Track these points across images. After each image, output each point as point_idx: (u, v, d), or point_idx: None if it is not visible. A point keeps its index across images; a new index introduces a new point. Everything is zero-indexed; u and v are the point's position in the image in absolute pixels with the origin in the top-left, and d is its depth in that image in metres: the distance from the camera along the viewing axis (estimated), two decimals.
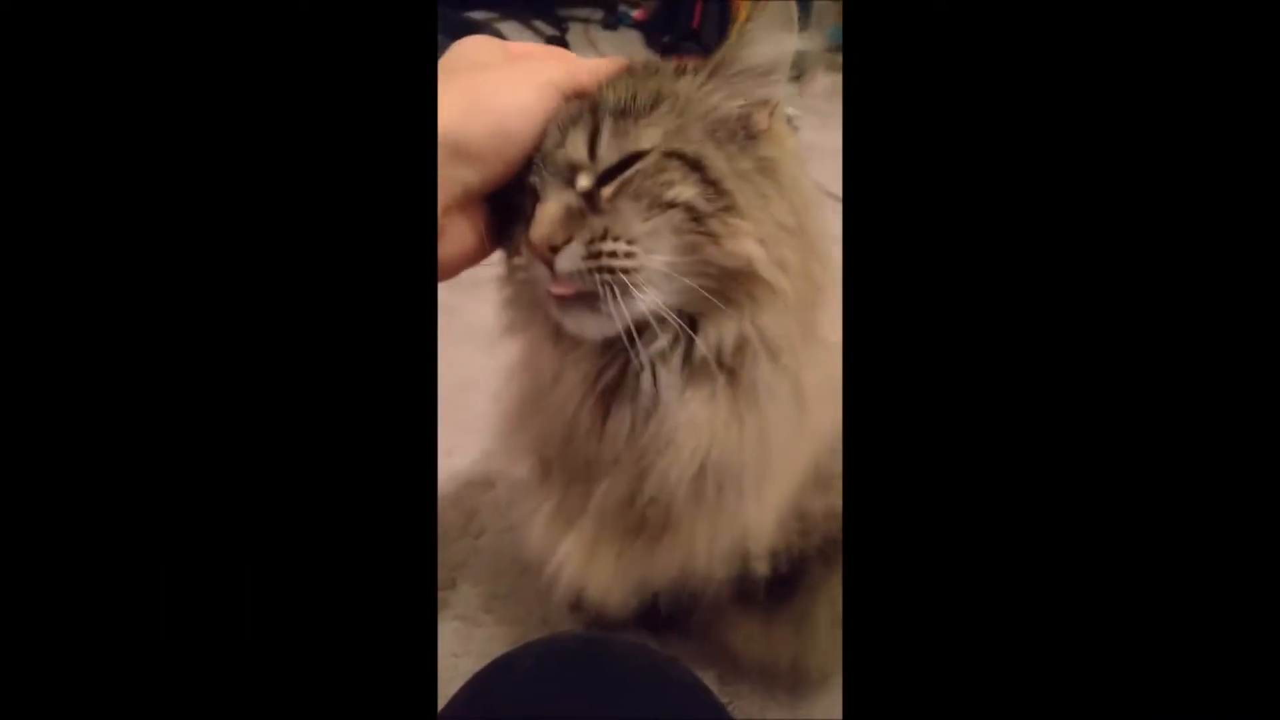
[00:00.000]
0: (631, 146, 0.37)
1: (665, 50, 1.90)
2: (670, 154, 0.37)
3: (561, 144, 0.38)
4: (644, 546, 0.46)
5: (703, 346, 0.39)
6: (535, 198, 0.38)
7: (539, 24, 2.03)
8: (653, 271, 0.36)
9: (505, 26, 1.94)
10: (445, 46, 0.38)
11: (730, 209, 0.37)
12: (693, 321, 0.39)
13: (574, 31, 2.03)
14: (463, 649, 0.76)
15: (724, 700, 0.72)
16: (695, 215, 0.37)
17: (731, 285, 0.38)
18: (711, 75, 0.39)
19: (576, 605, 0.78)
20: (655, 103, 0.38)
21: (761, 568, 0.52)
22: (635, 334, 0.38)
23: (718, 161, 0.37)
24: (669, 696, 0.40)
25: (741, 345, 0.39)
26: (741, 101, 0.39)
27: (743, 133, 0.39)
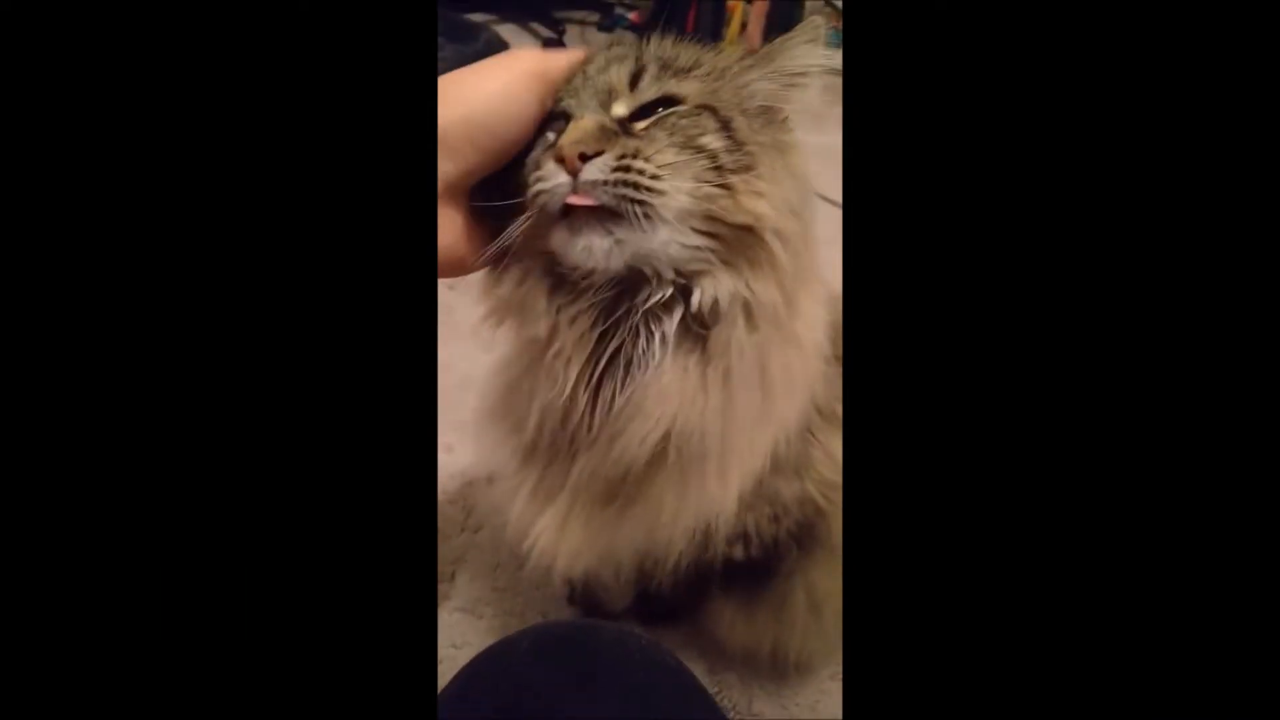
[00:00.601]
0: (672, 90, 0.40)
1: None
2: (703, 107, 0.40)
3: (605, 70, 0.40)
4: (612, 516, 0.46)
5: (695, 300, 0.40)
6: (566, 120, 0.40)
7: (536, 26, 2.04)
8: (672, 207, 0.37)
9: (503, 29, 1.96)
10: (445, 47, 0.39)
11: (749, 169, 0.39)
12: (688, 286, 0.40)
13: (571, 34, 2.04)
14: (462, 640, 0.78)
15: (712, 689, 0.74)
16: (718, 166, 0.38)
17: (734, 244, 0.40)
18: (750, 62, 0.42)
19: (573, 598, 0.80)
20: (695, 65, 0.42)
21: (736, 552, 0.53)
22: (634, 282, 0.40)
23: (744, 127, 0.40)
24: (653, 678, 0.42)
25: (730, 304, 0.40)
26: (772, 87, 0.42)
27: (765, 115, 0.42)
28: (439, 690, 0.42)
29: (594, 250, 0.38)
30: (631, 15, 2.17)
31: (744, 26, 1.88)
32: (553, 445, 0.46)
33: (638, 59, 0.41)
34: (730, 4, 1.85)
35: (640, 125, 0.39)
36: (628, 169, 0.37)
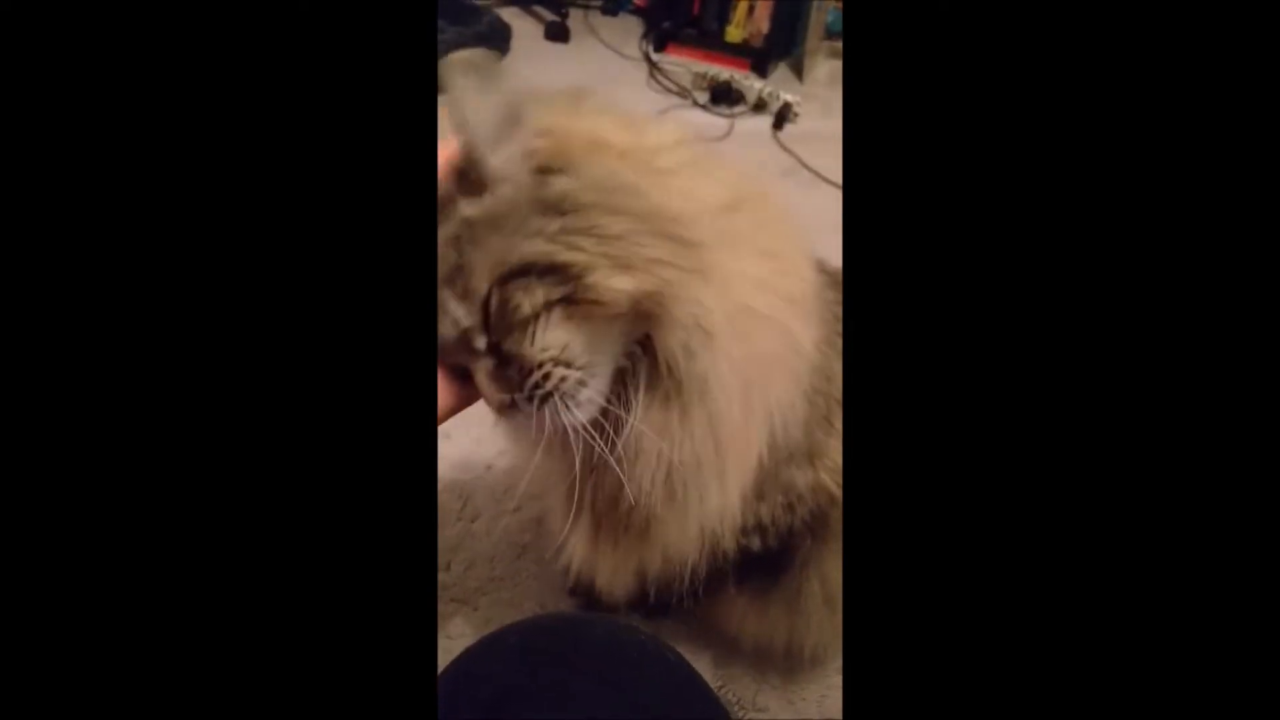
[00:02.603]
0: (478, 293, 0.38)
1: (665, 36, 1.89)
2: (506, 278, 0.38)
3: (440, 332, 0.39)
4: (634, 540, 0.47)
5: (663, 360, 0.40)
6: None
7: (539, 9, 2.01)
8: (584, 361, 0.38)
9: (506, 12, 1.92)
10: (445, 31, 0.37)
11: (578, 268, 0.37)
12: (641, 348, 0.40)
13: (574, 17, 2.01)
14: (457, 631, 0.76)
15: (716, 683, 0.72)
16: (565, 298, 0.37)
17: (642, 312, 0.39)
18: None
19: (574, 589, 0.78)
20: (458, 250, 0.39)
21: (753, 543, 0.52)
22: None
23: (536, 245, 0.37)
24: (649, 675, 0.40)
25: (682, 340, 0.39)
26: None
27: (536, 176, 0.39)
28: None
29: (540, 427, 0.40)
30: None
31: (751, 9, 1.85)
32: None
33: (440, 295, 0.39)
34: None
35: (496, 338, 0.39)
36: (533, 390, 0.38)
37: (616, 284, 0.37)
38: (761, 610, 0.60)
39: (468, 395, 0.42)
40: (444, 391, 0.41)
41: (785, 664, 0.67)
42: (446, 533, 0.84)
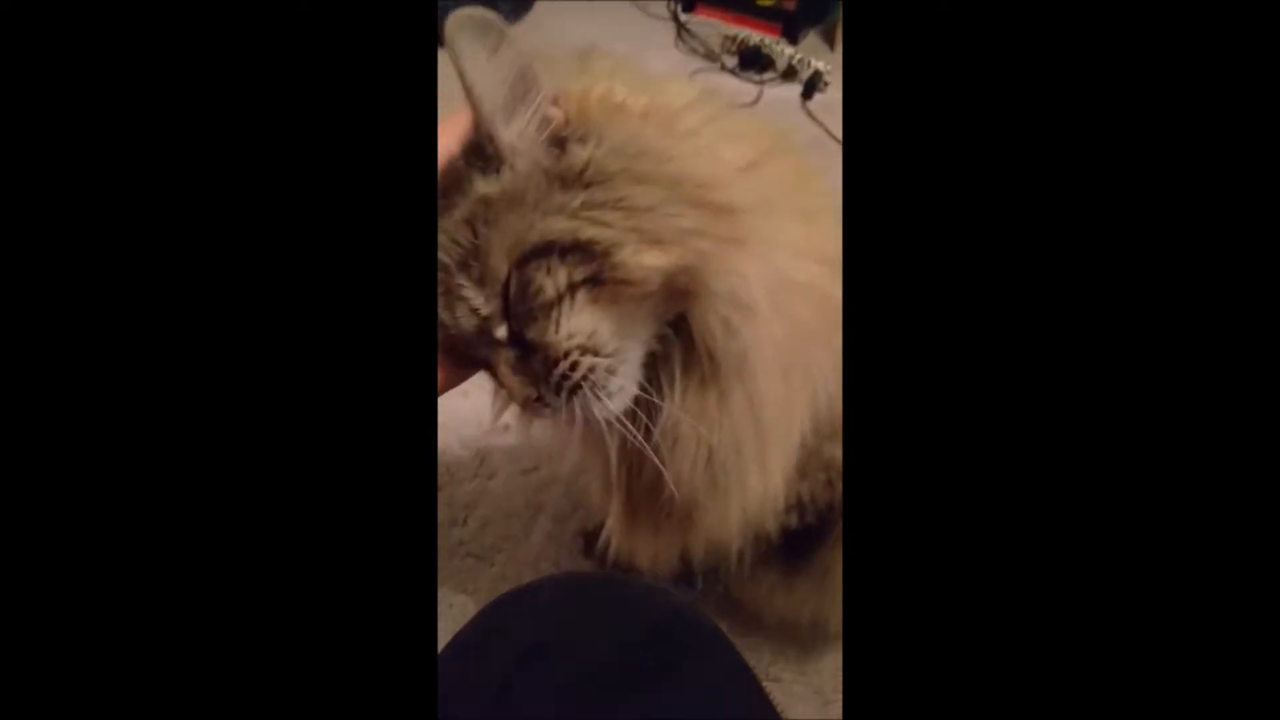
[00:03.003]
0: (497, 277, 0.35)
1: (684, 5, 1.83)
2: (525, 260, 0.35)
3: (455, 321, 0.37)
4: (675, 527, 0.46)
5: (700, 340, 0.37)
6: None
7: None
8: (613, 347, 0.36)
9: None
10: (446, 9, 0.34)
11: (604, 245, 0.34)
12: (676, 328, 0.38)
13: None
14: (473, 585, 0.76)
15: None
16: (591, 279, 0.35)
17: (675, 288, 0.36)
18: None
19: (589, 551, 0.78)
20: (473, 232, 0.36)
21: (792, 520, 0.51)
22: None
23: (558, 222, 0.34)
24: (680, 637, 0.40)
25: (718, 321, 0.37)
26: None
27: (552, 148, 0.36)
28: (442, 643, 0.40)
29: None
30: None
31: None
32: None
33: (453, 284, 0.36)
34: None
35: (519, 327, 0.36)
36: (561, 380, 0.36)
37: (648, 260, 0.34)
38: (790, 587, 0.59)
39: (460, 375, 0.40)
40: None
41: (809, 638, 0.67)
42: (464, 489, 0.84)
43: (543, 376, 0.36)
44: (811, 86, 1.60)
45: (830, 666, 0.70)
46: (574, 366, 0.36)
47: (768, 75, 1.63)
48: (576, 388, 0.36)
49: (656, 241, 0.34)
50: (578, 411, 0.37)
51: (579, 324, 0.35)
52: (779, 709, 0.40)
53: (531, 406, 0.38)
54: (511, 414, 0.48)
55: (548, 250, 0.34)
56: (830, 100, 1.61)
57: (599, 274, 0.34)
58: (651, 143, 0.36)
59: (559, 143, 0.36)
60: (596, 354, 0.36)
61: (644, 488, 0.44)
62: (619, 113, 0.37)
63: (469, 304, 0.36)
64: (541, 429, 0.50)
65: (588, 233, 0.34)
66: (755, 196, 0.37)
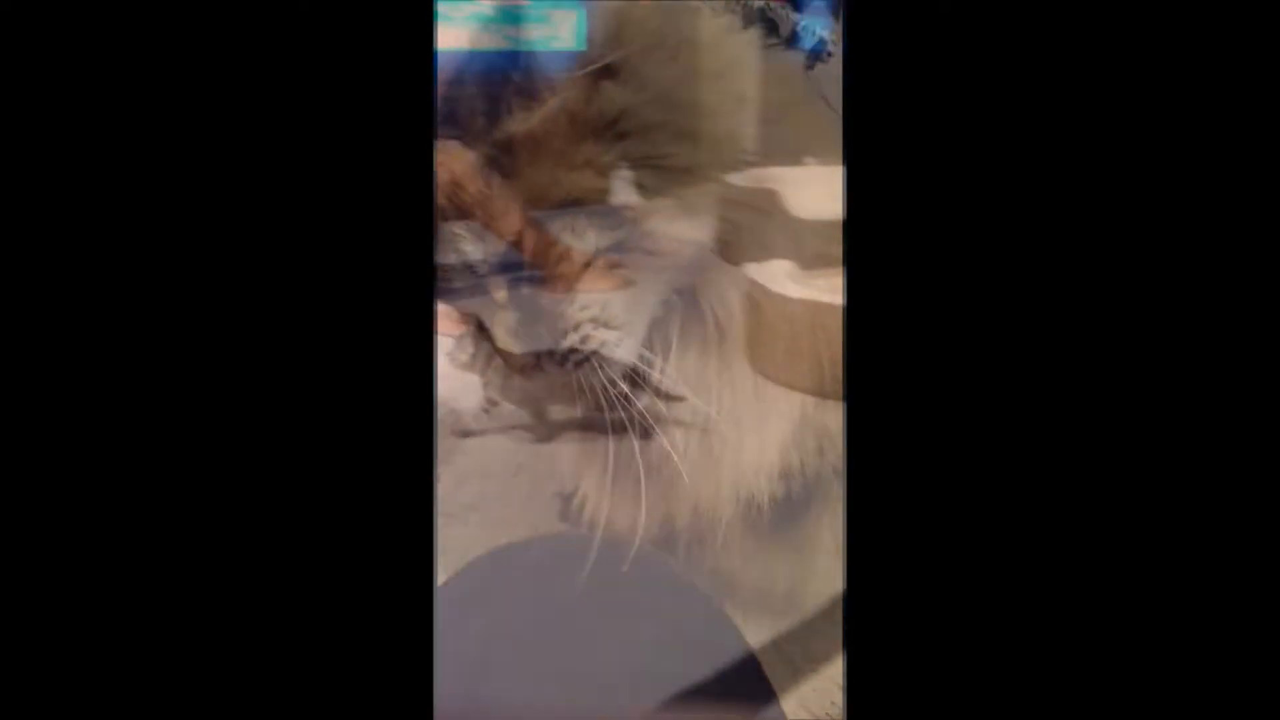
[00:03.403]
0: (507, 233, 0.32)
1: None
2: (543, 219, 0.31)
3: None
4: (663, 495, 0.44)
5: (709, 311, 0.35)
6: None
7: None
8: (624, 320, 0.33)
9: None
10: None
11: (635, 211, 0.32)
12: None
13: None
14: (446, 545, 0.74)
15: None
16: (615, 246, 0.32)
17: (700, 259, 0.34)
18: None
19: (565, 513, 0.77)
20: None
21: (779, 489, 0.50)
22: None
23: (585, 179, 0.31)
24: (661, 596, 0.39)
25: (744, 294, 0.35)
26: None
27: (588, 83, 0.32)
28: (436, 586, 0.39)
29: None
30: None
31: None
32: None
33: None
34: None
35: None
36: (584, 357, 0.33)
37: (683, 233, 0.31)
38: (768, 556, 0.58)
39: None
40: None
41: (784, 608, 0.67)
42: (439, 446, 0.82)
43: (547, 345, 0.34)
44: (815, 56, 1.57)
45: (803, 636, 0.70)
46: (585, 340, 0.33)
47: (771, 40, 1.59)
48: (584, 361, 0.33)
49: (694, 210, 0.31)
50: (574, 380, 0.35)
51: (594, 295, 0.33)
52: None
53: (528, 373, 0.35)
54: (495, 372, 0.46)
55: (571, 212, 0.31)
56: (833, 72, 1.58)
57: (625, 242, 0.32)
58: (696, 93, 0.33)
59: (592, 77, 0.31)
60: (608, 327, 0.34)
61: (634, 455, 0.42)
62: (655, 49, 0.33)
63: (463, 257, 0.33)
64: (523, 386, 0.48)
65: (620, 195, 0.31)
66: (778, 150, 0.36)
